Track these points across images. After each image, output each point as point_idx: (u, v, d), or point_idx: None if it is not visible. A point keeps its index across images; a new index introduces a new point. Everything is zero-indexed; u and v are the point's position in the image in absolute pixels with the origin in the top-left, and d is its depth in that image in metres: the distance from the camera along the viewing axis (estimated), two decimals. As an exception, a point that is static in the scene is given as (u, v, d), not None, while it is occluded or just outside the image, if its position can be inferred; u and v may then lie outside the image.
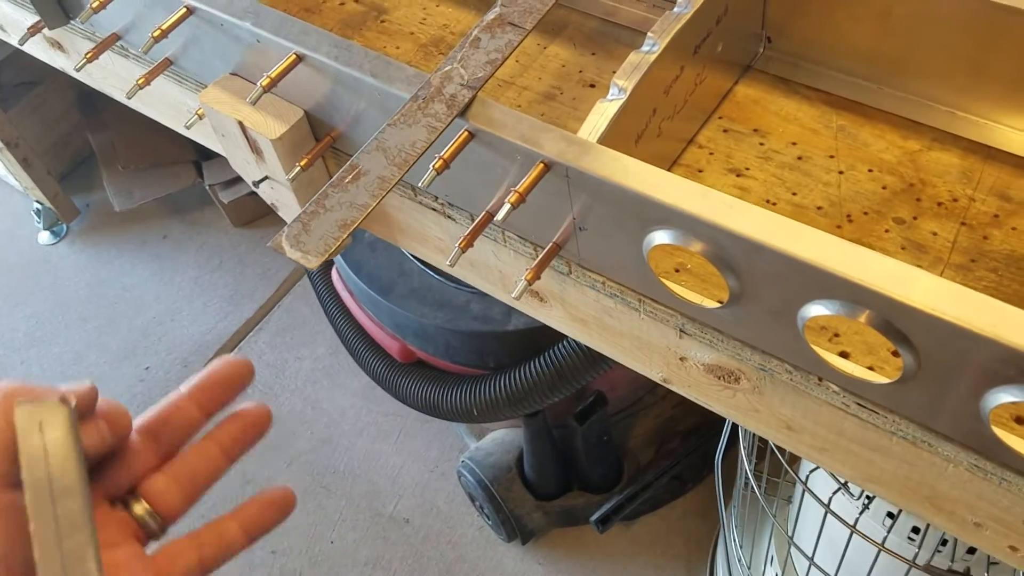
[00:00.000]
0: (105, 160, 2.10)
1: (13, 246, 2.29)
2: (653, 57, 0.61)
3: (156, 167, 2.06)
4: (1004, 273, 0.61)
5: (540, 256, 0.66)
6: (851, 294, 0.50)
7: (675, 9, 0.64)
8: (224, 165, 2.08)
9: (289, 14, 0.90)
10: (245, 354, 1.97)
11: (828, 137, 0.71)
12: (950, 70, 0.67)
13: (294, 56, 0.69)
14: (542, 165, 0.60)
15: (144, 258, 2.19)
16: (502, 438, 1.47)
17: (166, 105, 0.95)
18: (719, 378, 0.66)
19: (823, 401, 0.60)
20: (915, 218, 0.65)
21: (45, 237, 2.30)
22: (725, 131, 0.73)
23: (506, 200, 0.59)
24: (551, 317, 0.78)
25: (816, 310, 0.52)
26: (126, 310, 2.08)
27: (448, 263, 0.69)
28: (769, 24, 0.74)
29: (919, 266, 0.63)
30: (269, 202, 0.87)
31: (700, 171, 0.71)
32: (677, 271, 0.65)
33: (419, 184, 0.62)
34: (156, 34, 0.75)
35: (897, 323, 0.49)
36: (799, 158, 0.70)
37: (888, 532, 0.93)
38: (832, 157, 0.70)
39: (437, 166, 0.62)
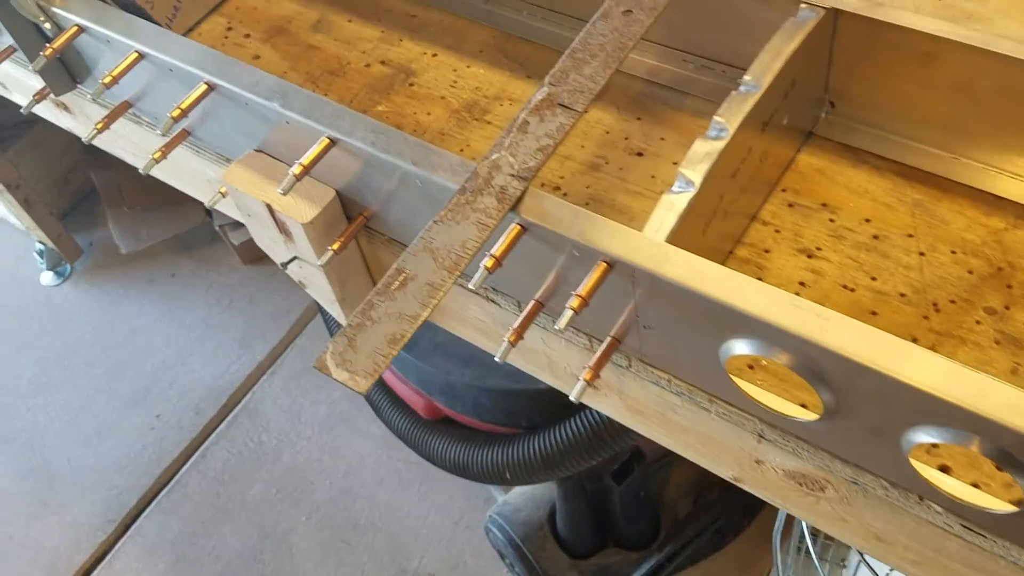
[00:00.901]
0: (110, 200, 2.05)
1: (15, 288, 2.24)
2: (723, 144, 0.56)
3: (163, 207, 2.01)
4: (1115, 371, 0.56)
5: (599, 353, 0.61)
6: (968, 423, 0.45)
7: (742, 88, 0.59)
8: (232, 203, 2.03)
9: (313, 77, 0.86)
10: (259, 399, 1.93)
11: (904, 213, 0.65)
12: (1038, 141, 0.62)
13: (327, 140, 0.64)
14: (604, 265, 0.55)
15: (152, 298, 2.13)
16: (532, 492, 1.42)
17: (183, 173, 0.90)
18: (801, 484, 0.61)
19: (923, 520, 0.55)
20: (1007, 308, 0.60)
21: (48, 278, 2.24)
22: (791, 205, 0.67)
23: (568, 305, 0.54)
24: (605, 405, 0.72)
25: (925, 437, 0.47)
26: (135, 354, 2.02)
27: (497, 358, 0.64)
28: (832, 88, 0.69)
29: (1016, 364, 0.58)
30: (296, 280, 0.82)
31: (767, 251, 0.65)
32: (751, 367, 0.60)
33: (469, 285, 0.57)
34: (175, 114, 0.70)
35: (1019, 455, 0.44)
36: (875, 237, 0.65)
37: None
38: (911, 236, 0.64)
39: (489, 265, 0.57)
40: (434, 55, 0.85)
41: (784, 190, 0.68)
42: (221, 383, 1.94)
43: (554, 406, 1.14)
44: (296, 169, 0.64)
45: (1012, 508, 0.48)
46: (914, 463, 0.51)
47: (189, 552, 1.72)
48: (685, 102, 0.76)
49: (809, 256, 0.65)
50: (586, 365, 0.60)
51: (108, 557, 1.74)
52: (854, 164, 0.69)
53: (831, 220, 0.66)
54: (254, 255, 2.11)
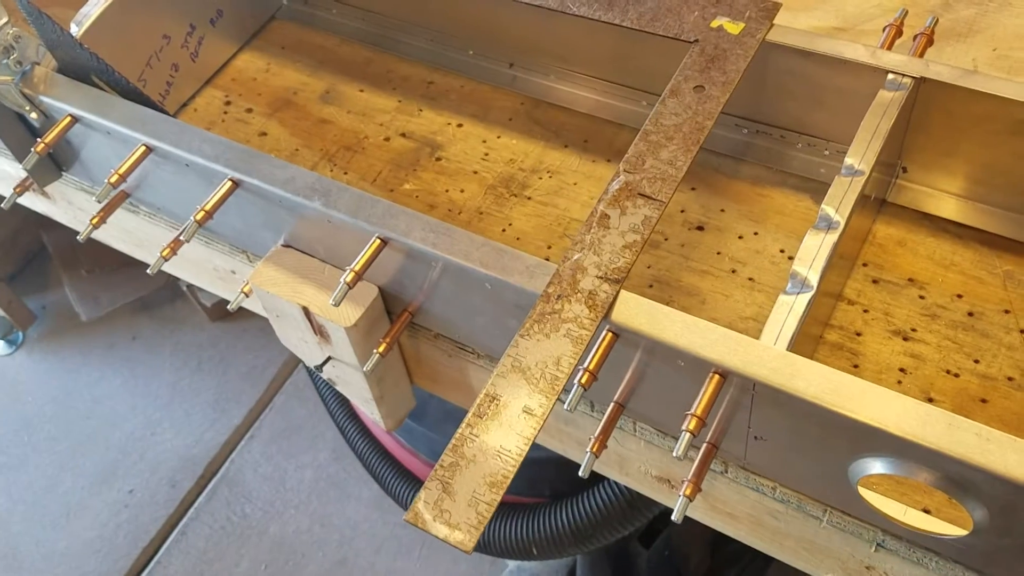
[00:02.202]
0: (65, 264, 1.93)
1: (-36, 359, 2.10)
2: (837, 236, 0.51)
3: (123, 267, 1.90)
4: None
5: (697, 462, 0.56)
6: None
7: (843, 172, 0.54)
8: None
9: (329, 154, 0.79)
10: (238, 467, 1.82)
11: (996, 287, 0.62)
12: None
13: (379, 241, 0.58)
14: (718, 377, 0.49)
15: (114, 363, 2.01)
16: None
17: (191, 264, 0.83)
18: (917, 589, 0.56)
19: (1073, 632, 0.50)
20: None
21: (0, 347, 2.11)
22: (875, 282, 0.63)
23: (684, 428, 0.49)
24: (685, 504, 0.67)
25: (1106, 561, 0.43)
26: (100, 426, 1.90)
27: (581, 473, 0.58)
28: (906, 153, 0.65)
29: None
30: (327, 378, 0.75)
31: (859, 334, 0.61)
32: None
33: (565, 407, 0.52)
34: (199, 217, 0.62)
35: None
36: (970, 314, 0.61)
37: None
38: (1007, 312, 0.60)
39: (584, 381, 0.51)
40: (459, 125, 0.79)
41: (866, 265, 0.64)
42: (196, 452, 1.84)
43: (576, 474, 1.08)
44: (348, 277, 0.57)
45: None
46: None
47: (177, 640, 1.61)
48: (741, 169, 0.72)
49: (905, 339, 0.60)
50: (685, 478, 0.55)
51: (88, 652, 1.63)
52: (933, 233, 0.65)
53: (921, 297, 0.62)
54: (223, 312, 2.01)
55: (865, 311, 0.62)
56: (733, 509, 0.62)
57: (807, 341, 0.57)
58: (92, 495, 1.82)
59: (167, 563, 1.72)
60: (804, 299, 0.50)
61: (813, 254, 0.51)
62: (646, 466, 0.65)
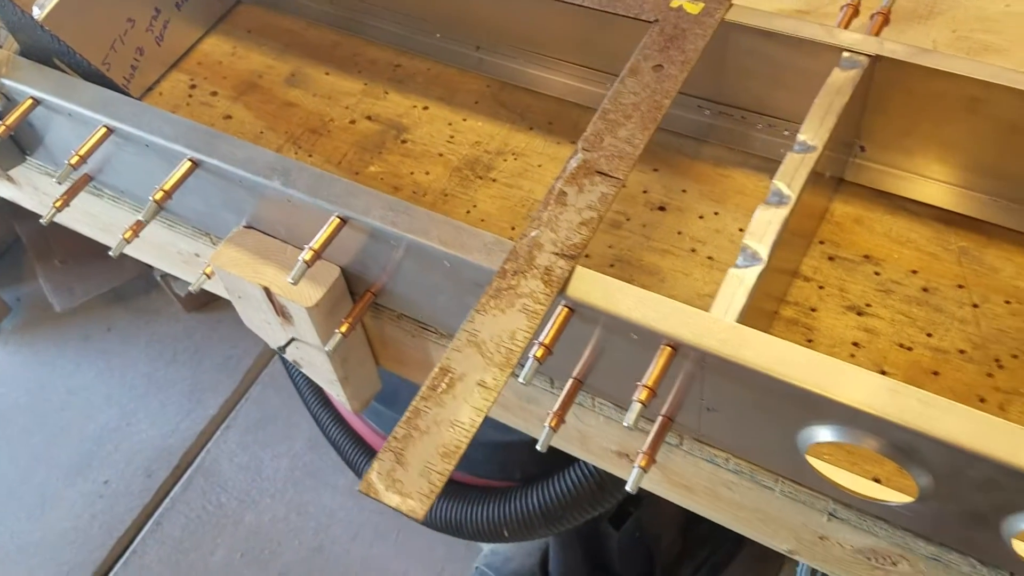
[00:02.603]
0: (39, 255, 1.92)
1: (-62, 352, 2.09)
2: (787, 211, 0.52)
3: (97, 258, 1.89)
4: None
5: (652, 434, 0.56)
6: (1101, 513, 0.41)
7: (796, 148, 0.55)
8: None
9: (294, 137, 0.79)
10: (214, 457, 1.82)
11: (951, 262, 0.63)
12: (1085, 183, 0.60)
13: (338, 220, 0.58)
14: (670, 349, 0.50)
15: (89, 355, 2.00)
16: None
17: (156, 248, 0.83)
18: (870, 559, 0.57)
19: (1018, 597, 0.51)
20: (1075, 360, 0.57)
21: (-26, 339, 2.10)
22: (831, 259, 0.64)
23: (635, 398, 0.50)
24: (644, 480, 0.68)
25: (1043, 523, 0.44)
26: (74, 417, 1.89)
27: (539, 447, 0.59)
28: (864, 132, 0.66)
29: (1095, 420, 0.55)
30: (292, 360, 0.75)
31: (813, 310, 0.62)
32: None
33: (520, 380, 0.52)
34: (159, 197, 0.63)
35: None
36: (924, 290, 0.62)
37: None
38: (961, 287, 0.61)
39: (539, 355, 0.52)
40: (425, 108, 0.79)
41: (823, 242, 0.65)
42: (171, 442, 1.83)
43: (550, 456, 1.09)
44: (307, 255, 0.58)
45: None
46: (1016, 546, 0.48)
47: (153, 629, 1.61)
48: (703, 151, 0.73)
49: (859, 314, 0.61)
50: (640, 450, 0.55)
51: (63, 642, 1.63)
52: (891, 211, 0.66)
53: (876, 273, 0.63)
54: (197, 302, 2.01)
55: (820, 287, 0.63)
56: (689, 481, 0.63)
57: (762, 316, 0.58)
58: (67, 486, 1.81)
59: (143, 553, 1.71)
60: (754, 272, 0.51)
61: (764, 228, 0.52)
62: (606, 442, 0.66)
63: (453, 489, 1.20)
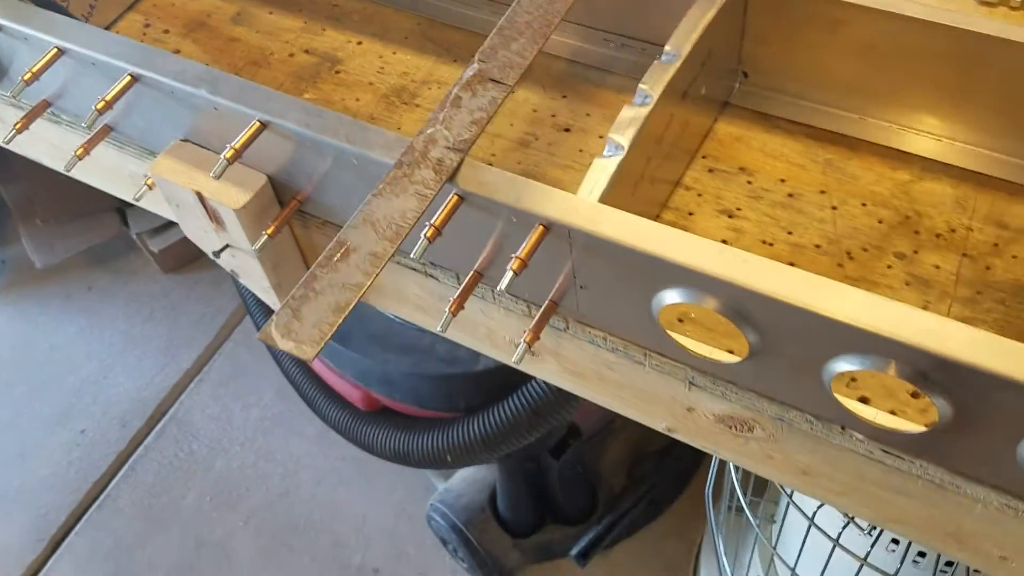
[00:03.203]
0: (22, 214, 1.98)
1: (-75, 312, 2.15)
2: (647, 111, 0.59)
3: (77, 218, 1.96)
4: (1012, 304, 0.61)
5: (537, 316, 0.63)
6: (887, 350, 0.48)
7: (663, 58, 0.62)
8: (150, 211, 1.99)
9: (236, 68, 0.86)
10: (187, 409, 1.89)
11: (816, 172, 0.70)
12: (934, 97, 0.67)
13: (258, 124, 0.65)
14: (542, 228, 0.57)
15: (70, 313, 2.07)
16: (472, 476, 1.44)
17: (106, 171, 0.89)
18: (730, 427, 0.64)
19: (845, 448, 0.58)
20: (915, 252, 0.64)
21: (-41, 299, 2.17)
22: (711, 171, 0.71)
23: (507, 268, 0.56)
24: (543, 371, 0.75)
25: (845, 366, 0.51)
26: (55, 371, 1.96)
27: (439, 329, 0.65)
28: (745, 58, 0.73)
29: (926, 301, 0.62)
30: (229, 269, 0.82)
31: (691, 214, 0.69)
32: (681, 321, 0.63)
33: (411, 255, 0.59)
34: (100, 106, 0.69)
35: (934, 376, 0.48)
36: (790, 195, 0.69)
37: (871, 548, 0.93)
38: (823, 193, 0.68)
39: (429, 235, 0.58)
40: (359, 43, 0.86)
41: (704, 157, 0.72)
42: (146, 395, 1.90)
43: (491, 388, 1.16)
44: (228, 153, 0.64)
45: (927, 425, 0.52)
46: (836, 394, 0.54)
47: (123, 565, 1.68)
48: (608, 80, 0.79)
49: (730, 216, 0.68)
50: (526, 329, 0.62)
51: (40, 576, 1.70)
52: (768, 130, 0.73)
53: (749, 183, 0.70)
54: (174, 263, 2.07)
55: (699, 195, 0.70)
56: (578, 367, 0.70)
57: (623, 197, 0.64)
58: (47, 436, 1.88)
59: (116, 496, 1.79)
60: (615, 160, 0.58)
61: (626, 125, 0.59)
62: (509, 335, 0.73)
63: (402, 421, 1.27)
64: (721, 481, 1.10)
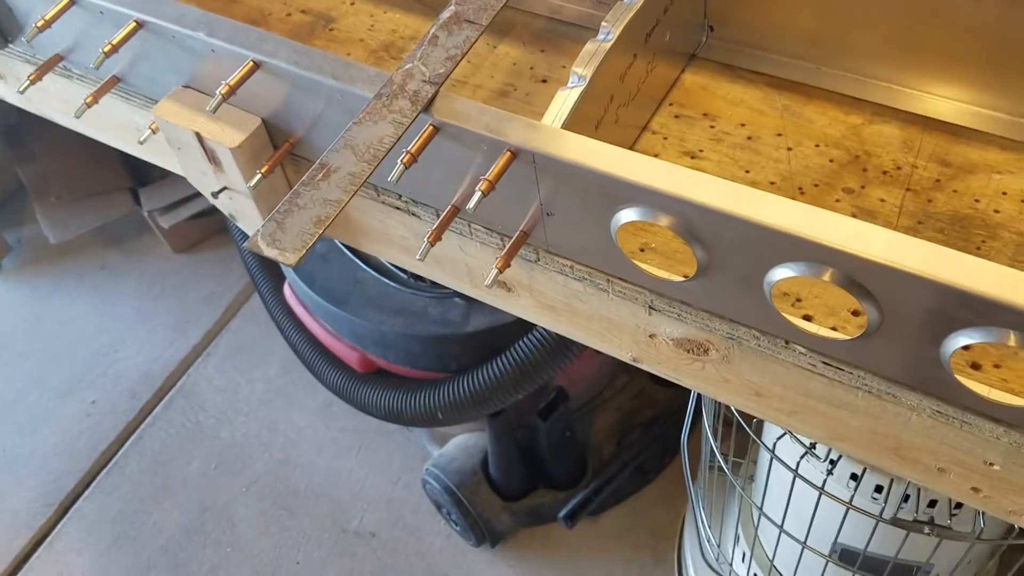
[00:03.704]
0: (37, 193, 2.05)
1: (-57, 286, 2.22)
2: (608, 45, 0.64)
3: (91, 196, 2.02)
4: (949, 232, 0.65)
5: (508, 245, 0.68)
6: (816, 254, 0.52)
7: (625, 1, 0.67)
8: (162, 190, 2.05)
9: (236, 26, 0.91)
10: (194, 381, 1.95)
11: (774, 117, 0.74)
12: (885, 47, 0.71)
13: (251, 63, 0.70)
14: (509, 153, 0.61)
15: (83, 291, 2.14)
16: (465, 442, 1.48)
17: (114, 125, 0.94)
18: (688, 351, 0.69)
19: (790, 364, 0.63)
20: (863, 187, 0.68)
21: (-24, 275, 2.24)
22: (676, 117, 0.75)
23: (476, 189, 0.61)
24: (519, 307, 0.79)
25: (782, 273, 0.55)
26: (67, 344, 2.03)
27: (417, 258, 0.70)
28: (711, 14, 0.78)
29: (870, 231, 0.67)
30: (227, 213, 0.87)
31: (656, 155, 0.73)
32: (642, 250, 0.67)
33: (389, 179, 0.64)
34: (107, 49, 0.74)
35: (858, 278, 0.52)
36: (749, 138, 0.73)
37: (854, 492, 0.96)
38: (780, 135, 0.73)
39: (405, 160, 0.63)
40: (352, 4, 0.91)
41: (671, 104, 0.76)
42: (156, 368, 1.96)
43: (481, 349, 1.21)
44: (222, 89, 0.69)
45: (859, 332, 0.56)
46: (778, 307, 0.59)
47: (130, 529, 1.74)
48: (585, 35, 0.83)
49: (692, 157, 0.72)
50: (498, 256, 0.67)
51: (48, 539, 1.75)
52: (731, 80, 0.77)
53: (711, 127, 0.74)
54: (185, 243, 2.13)
55: (664, 139, 0.74)
56: (551, 300, 0.74)
57: (586, 128, 0.68)
58: (57, 406, 1.94)
59: (124, 464, 1.84)
60: (577, 91, 0.62)
61: (588, 58, 0.63)
62: (487, 271, 0.77)
63: (395, 381, 1.32)
64: (699, 441, 1.14)
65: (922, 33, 0.69)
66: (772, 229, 0.52)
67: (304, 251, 0.58)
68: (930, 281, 0.49)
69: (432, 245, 0.68)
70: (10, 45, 0.95)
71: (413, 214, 0.77)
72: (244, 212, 0.85)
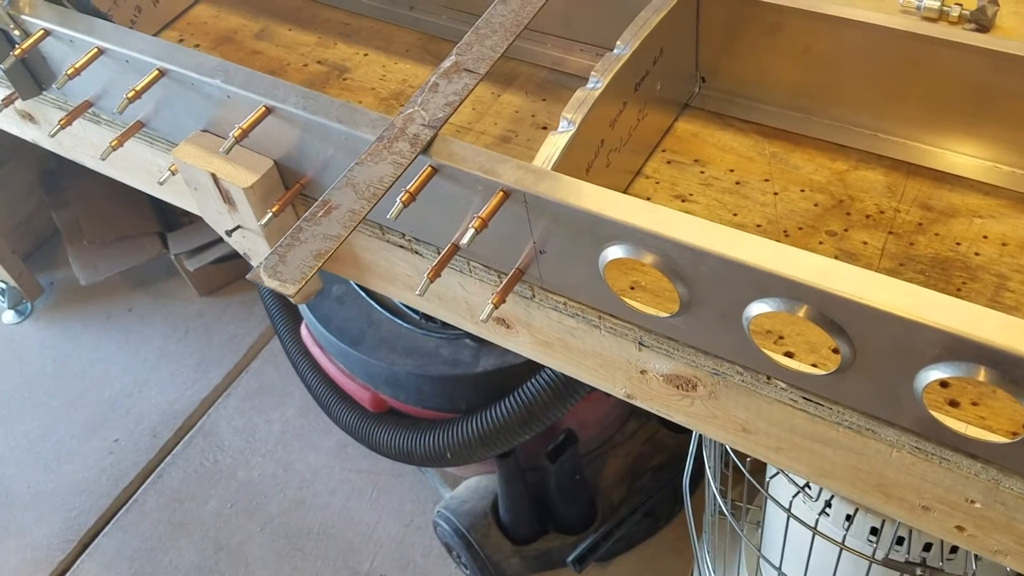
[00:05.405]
0: (70, 236, 2.12)
1: (-23, 327, 2.29)
2: (597, 93, 0.67)
3: (121, 240, 2.08)
4: (931, 274, 0.67)
5: (504, 281, 0.71)
6: (788, 290, 0.55)
7: (615, 51, 0.70)
8: (189, 235, 2.12)
9: (255, 75, 0.96)
10: (214, 421, 1.98)
11: (762, 163, 0.77)
12: (870, 97, 0.74)
13: (264, 108, 0.74)
14: (502, 193, 0.64)
15: (110, 332, 2.19)
16: (476, 485, 1.49)
17: (137, 167, 0.99)
18: (678, 387, 0.70)
19: (773, 399, 0.64)
20: (846, 230, 0.71)
21: (10, 316, 2.30)
22: (669, 162, 0.78)
23: (470, 226, 0.64)
24: (518, 344, 0.81)
25: (758, 308, 0.57)
26: (93, 384, 2.08)
27: (417, 293, 0.73)
28: (702, 66, 0.81)
29: (852, 272, 0.68)
30: (242, 252, 0.91)
31: (648, 199, 0.76)
32: (632, 288, 0.70)
33: (387, 216, 0.67)
34: (130, 95, 0.79)
35: (830, 314, 0.54)
36: (737, 183, 0.76)
37: (846, 532, 0.96)
38: (767, 180, 0.75)
39: (404, 199, 0.66)
40: (365, 55, 0.96)
41: (664, 151, 0.79)
42: (177, 407, 2.00)
43: (489, 388, 1.23)
44: (235, 132, 0.73)
45: (835, 367, 0.58)
46: (760, 344, 0.61)
47: (147, 566, 1.76)
48: (583, 85, 0.87)
49: (683, 200, 0.75)
50: (494, 292, 0.69)
51: (67, 575, 1.78)
52: (722, 127, 0.80)
53: (702, 172, 0.77)
54: (209, 286, 2.19)
55: (657, 183, 0.77)
56: (547, 336, 0.76)
57: (577, 171, 0.71)
58: (81, 443, 1.98)
59: (144, 501, 1.87)
60: (566, 135, 0.65)
61: (578, 104, 0.67)
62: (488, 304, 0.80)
63: (405, 421, 1.34)
64: (702, 483, 1.14)
65: (906, 84, 0.72)
66: (744, 265, 0.55)
67: (304, 282, 0.61)
68: (898, 317, 0.51)
69: (432, 281, 0.71)
70: (44, 92, 1.00)
71: (416, 252, 0.80)
72: (256, 250, 0.88)
